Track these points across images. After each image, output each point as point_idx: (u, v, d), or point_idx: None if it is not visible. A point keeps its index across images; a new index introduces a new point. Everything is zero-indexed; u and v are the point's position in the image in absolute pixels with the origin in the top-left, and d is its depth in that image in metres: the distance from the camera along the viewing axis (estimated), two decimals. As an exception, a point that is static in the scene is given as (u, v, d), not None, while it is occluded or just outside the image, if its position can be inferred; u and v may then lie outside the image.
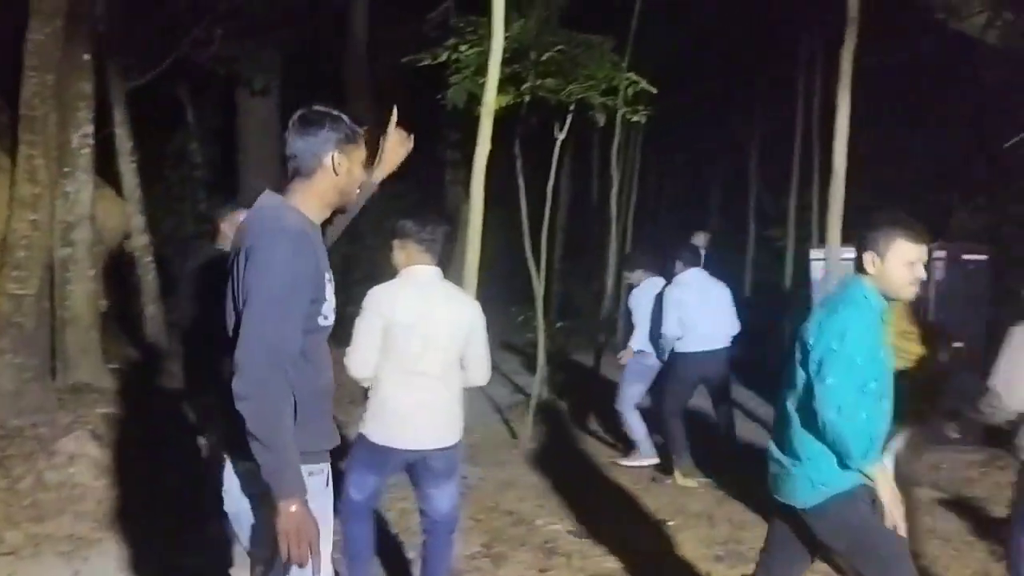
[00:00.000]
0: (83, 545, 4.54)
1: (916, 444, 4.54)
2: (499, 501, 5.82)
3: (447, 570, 3.93)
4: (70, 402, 6.47)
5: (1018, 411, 4.02)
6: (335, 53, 13.59)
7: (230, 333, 2.31)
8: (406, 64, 8.32)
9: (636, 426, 6.89)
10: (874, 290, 3.00)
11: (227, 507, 2.44)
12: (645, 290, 7.04)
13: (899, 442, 4.24)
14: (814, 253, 8.59)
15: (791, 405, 3.02)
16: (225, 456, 2.42)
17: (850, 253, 8.33)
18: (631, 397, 6.93)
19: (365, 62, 13.39)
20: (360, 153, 2.53)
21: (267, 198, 2.50)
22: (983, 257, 8.15)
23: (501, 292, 11.26)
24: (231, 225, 4.44)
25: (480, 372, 3.88)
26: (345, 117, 2.50)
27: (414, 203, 12.76)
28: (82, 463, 5.30)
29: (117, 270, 9.50)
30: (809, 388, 2.91)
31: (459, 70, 7.55)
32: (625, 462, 6.95)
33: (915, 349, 4.45)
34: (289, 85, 11.46)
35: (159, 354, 8.72)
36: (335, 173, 2.44)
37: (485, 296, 6.61)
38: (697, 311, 6.57)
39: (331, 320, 2.44)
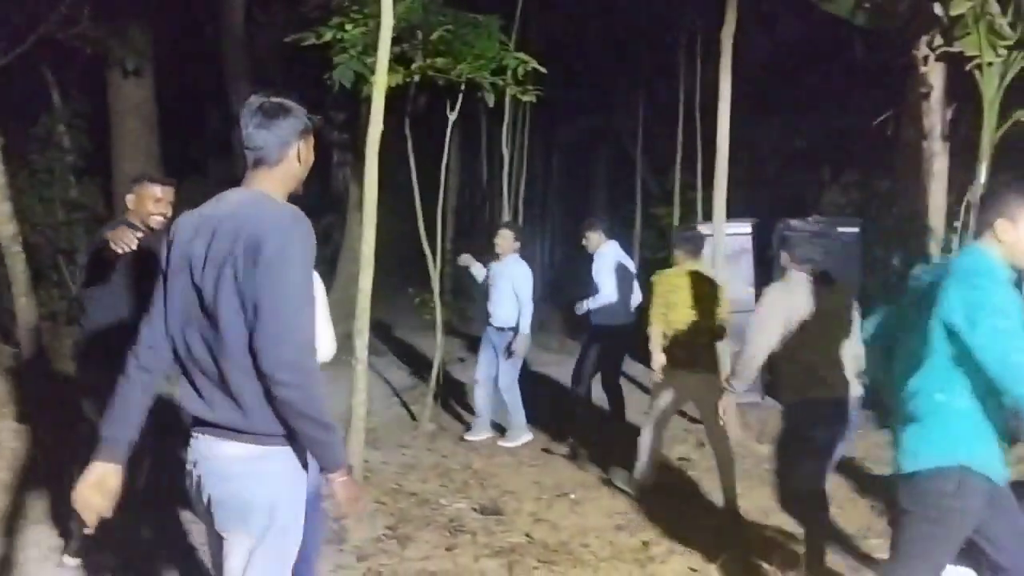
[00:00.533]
0: None
1: None
2: (402, 483, 5.80)
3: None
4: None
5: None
6: (211, 32, 13.16)
7: (159, 308, 2.41)
8: (286, 44, 8.10)
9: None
10: (1000, 258, 2.85)
11: (211, 489, 2.35)
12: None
13: None
14: (701, 228, 8.85)
15: (922, 382, 2.90)
16: (201, 438, 2.38)
17: (733, 228, 8.74)
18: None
19: (243, 42, 13.00)
20: (312, 141, 2.57)
21: (241, 192, 2.50)
22: (855, 230, 8.57)
23: (394, 275, 11.18)
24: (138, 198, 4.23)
25: (326, 347, 3.40)
26: (301, 107, 2.54)
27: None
28: (-45, 466, 5.01)
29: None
30: (948, 363, 2.80)
31: (344, 50, 7.41)
32: (505, 443, 7.00)
33: None
34: (163, 65, 11.02)
35: (36, 347, 8.30)
36: (298, 162, 2.51)
37: (379, 280, 6.60)
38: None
39: None
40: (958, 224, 7.05)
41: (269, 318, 2.21)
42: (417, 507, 5.35)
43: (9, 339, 8.84)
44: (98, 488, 2.41)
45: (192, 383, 2.36)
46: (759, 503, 5.50)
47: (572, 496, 5.64)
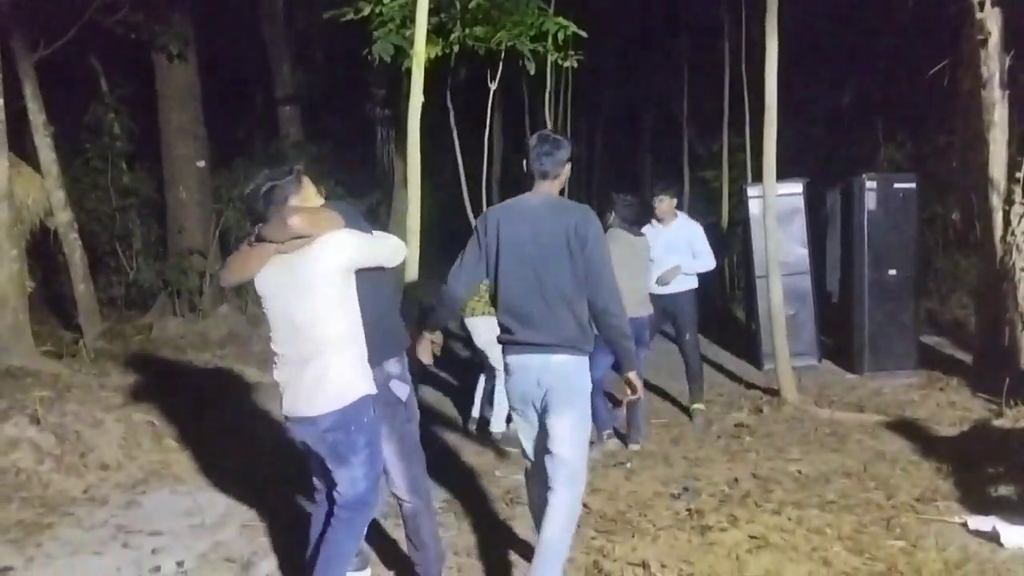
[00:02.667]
0: (34, 531, 4.40)
1: None
2: (460, 454, 5.82)
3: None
4: (5, 388, 6.26)
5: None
6: (252, 13, 13.21)
7: (471, 262, 3.67)
8: (326, 21, 8.08)
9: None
10: None
11: (549, 383, 3.51)
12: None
13: None
14: (750, 190, 8.70)
15: None
16: (532, 356, 3.54)
17: (785, 188, 8.59)
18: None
19: (283, 21, 13.04)
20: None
21: (541, 196, 3.66)
22: (912, 185, 8.33)
23: (443, 248, 11.18)
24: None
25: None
26: (569, 140, 3.75)
27: (344, 164, 12.58)
28: (23, 448, 5.13)
29: (41, 249, 9.20)
30: None
31: (383, 23, 7.37)
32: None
33: None
34: (206, 49, 11.10)
35: (96, 332, 8.51)
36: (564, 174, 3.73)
37: (429, 254, 6.60)
38: None
39: None
40: (1020, 175, 6.81)
41: (604, 275, 3.51)
42: (474, 480, 5.36)
43: (70, 325, 9.06)
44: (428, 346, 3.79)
45: (518, 320, 3.54)
46: (819, 467, 5.42)
47: (628, 465, 5.61)
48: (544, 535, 3.46)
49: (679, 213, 6.91)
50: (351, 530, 3.38)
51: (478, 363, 6.64)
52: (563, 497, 3.50)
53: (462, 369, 7.99)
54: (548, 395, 3.52)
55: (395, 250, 3.54)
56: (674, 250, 6.63)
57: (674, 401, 7.39)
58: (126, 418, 5.75)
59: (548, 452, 3.54)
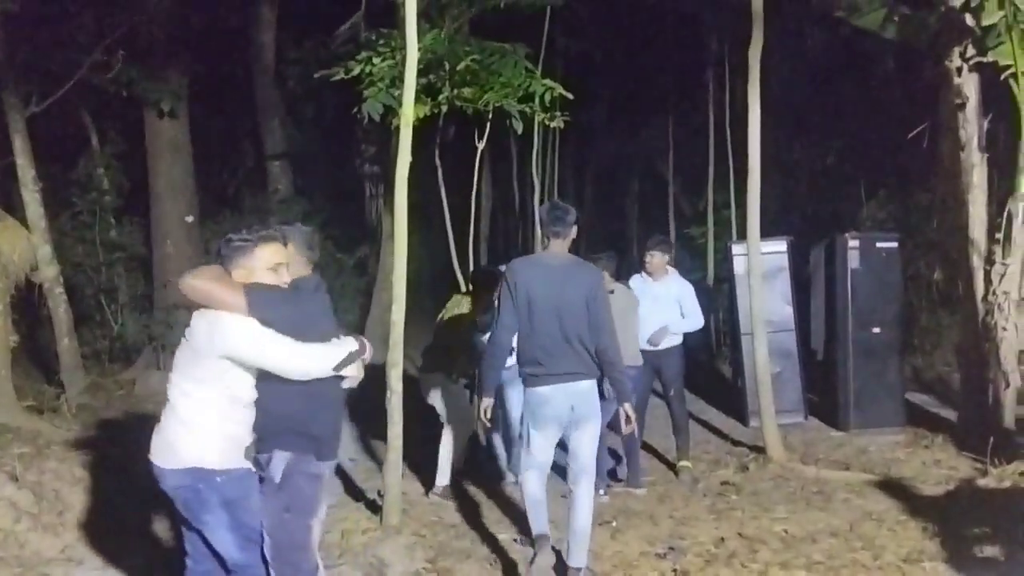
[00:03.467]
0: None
1: None
2: (442, 515, 5.75)
3: None
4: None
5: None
6: (243, 71, 13.38)
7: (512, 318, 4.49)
8: (317, 80, 8.21)
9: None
10: None
11: (574, 402, 4.50)
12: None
13: None
14: (735, 248, 8.77)
15: None
16: (562, 385, 4.49)
17: (769, 246, 8.69)
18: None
19: (274, 79, 13.21)
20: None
21: (558, 255, 4.58)
22: (894, 244, 8.45)
23: (429, 304, 11.20)
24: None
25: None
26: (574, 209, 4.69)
27: (333, 219, 12.66)
28: (1, 506, 5.05)
29: (26, 303, 9.15)
30: None
31: (373, 83, 7.50)
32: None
33: None
34: (197, 105, 11.22)
35: (79, 388, 8.43)
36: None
37: (416, 309, 6.62)
38: None
39: None
40: (999, 236, 6.91)
41: (604, 326, 4.45)
42: (457, 539, 5.30)
43: (52, 380, 8.99)
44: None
45: (549, 358, 4.40)
46: (805, 527, 5.39)
47: (613, 524, 5.56)
48: (578, 522, 4.49)
49: (671, 270, 6.98)
50: None
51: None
52: (587, 489, 4.55)
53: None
54: (576, 413, 4.47)
55: (309, 364, 3.27)
56: (661, 306, 6.69)
57: (660, 458, 7.37)
58: (106, 476, 5.68)
59: (573, 458, 4.54)
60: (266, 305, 3.22)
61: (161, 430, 3.30)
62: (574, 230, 4.60)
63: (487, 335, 5.23)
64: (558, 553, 4.63)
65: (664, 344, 6.74)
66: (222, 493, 3.22)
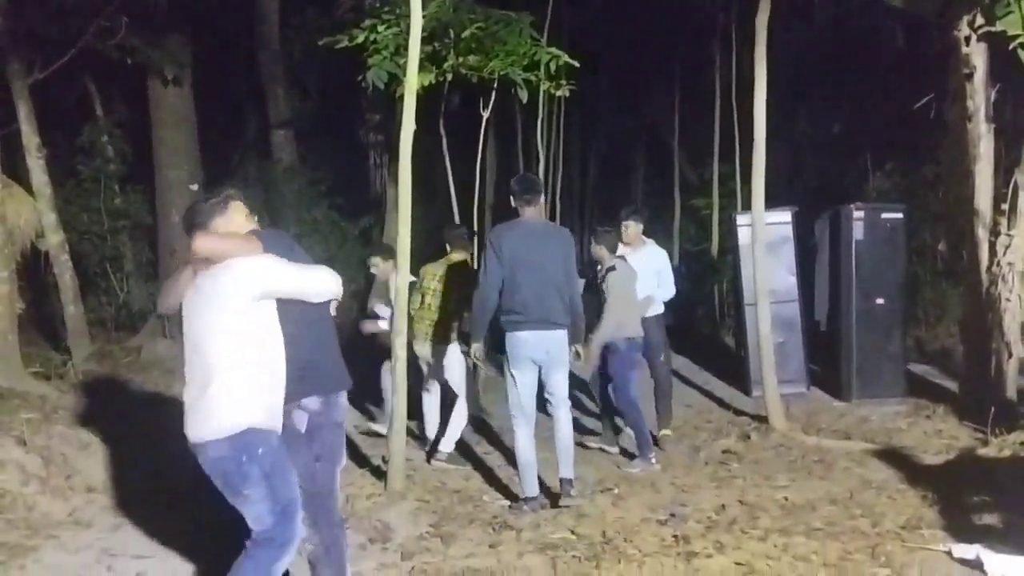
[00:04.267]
0: (18, 553, 4.38)
1: None
2: (445, 481, 5.81)
3: None
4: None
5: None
6: (247, 39, 13.30)
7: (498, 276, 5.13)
8: (321, 47, 8.16)
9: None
10: None
11: (551, 347, 5.22)
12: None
13: None
14: (740, 219, 8.76)
15: None
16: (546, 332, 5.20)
17: (774, 217, 8.67)
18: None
19: (278, 47, 13.13)
20: None
21: (536, 219, 5.37)
22: (899, 216, 8.43)
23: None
24: None
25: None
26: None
27: (337, 188, 12.64)
28: (9, 470, 5.11)
29: (32, 269, 9.19)
30: None
31: (378, 51, 7.45)
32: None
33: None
34: (202, 73, 11.18)
35: (86, 354, 8.48)
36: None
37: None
38: None
39: None
40: (1005, 207, 6.89)
41: (575, 279, 5.27)
42: (460, 504, 5.35)
43: (59, 346, 9.04)
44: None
45: (531, 308, 5.07)
46: (806, 495, 5.43)
47: (615, 491, 5.60)
48: (563, 441, 5.32)
49: (647, 240, 6.98)
50: (252, 565, 3.23)
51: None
52: (566, 412, 5.35)
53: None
54: (551, 356, 5.20)
55: (323, 284, 3.44)
56: (642, 276, 6.62)
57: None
58: (113, 440, 5.74)
59: (551, 394, 5.29)
60: (271, 244, 3.36)
61: (195, 404, 3.23)
62: (542, 198, 5.44)
63: None
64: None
65: (647, 313, 6.73)
66: (262, 465, 3.20)
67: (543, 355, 5.18)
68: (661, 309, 6.98)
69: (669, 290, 7.00)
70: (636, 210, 7.16)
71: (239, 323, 3.20)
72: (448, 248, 6.63)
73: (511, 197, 5.29)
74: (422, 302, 6.43)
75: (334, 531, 3.56)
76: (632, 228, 6.86)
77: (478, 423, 7.38)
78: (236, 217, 3.43)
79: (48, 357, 8.53)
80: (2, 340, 7.04)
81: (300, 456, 3.43)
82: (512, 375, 5.21)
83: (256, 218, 3.62)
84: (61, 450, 5.49)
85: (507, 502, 5.43)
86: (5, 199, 7.28)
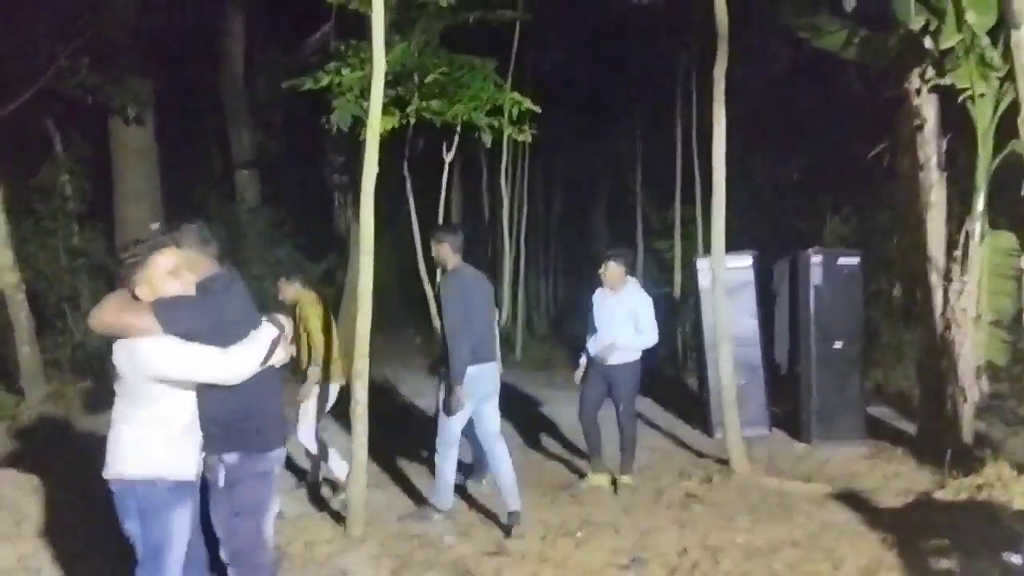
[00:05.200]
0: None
1: None
2: (405, 526, 5.75)
3: None
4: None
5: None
6: (211, 77, 13.31)
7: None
8: (286, 89, 8.21)
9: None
10: None
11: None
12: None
13: None
14: (700, 263, 8.85)
15: None
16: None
17: (735, 262, 8.76)
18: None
19: (243, 87, 13.16)
20: None
21: (472, 267, 5.77)
22: (856, 261, 8.57)
23: (396, 314, 11.18)
24: None
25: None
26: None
27: (301, 228, 12.62)
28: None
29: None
30: None
31: (342, 93, 7.52)
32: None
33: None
34: (164, 111, 11.16)
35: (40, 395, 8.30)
36: None
37: (381, 320, 6.59)
38: None
39: None
40: (957, 253, 7.04)
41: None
42: (422, 549, 5.28)
43: (12, 387, 8.84)
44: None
45: (485, 344, 5.60)
46: (767, 538, 5.44)
47: (578, 534, 5.57)
48: (509, 475, 5.61)
49: (630, 280, 6.85)
50: None
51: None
52: (502, 446, 5.70)
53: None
54: (491, 387, 5.70)
55: (229, 369, 3.25)
56: (617, 319, 6.60)
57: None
58: (65, 485, 5.60)
59: (489, 428, 5.70)
60: (179, 318, 3.18)
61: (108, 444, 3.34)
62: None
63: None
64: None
65: (615, 360, 6.59)
66: (141, 510, 3.28)
67: (492, 386, 5.71)
68: (636, 355, 6.70)
69: (649, 337, 6.64)
70: (617, 251, 7.03)
71: (134, 396, 3.24)
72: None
73: (446, 245, 5.68)
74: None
75: None
76: (611, 268, 6.67)
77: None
78: (157, 273, 3.24)
79: (0, 399, 8.35)
80: (-48, 382, 6.89)
81: (219, 510, 3.39)
82: (461, 408, 5.51)
83: (212, 250, 3.46)
84: (10, 495, 5.35)
85: (469, 547, 5.38)
86: (-40, 238, 7.17)
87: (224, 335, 3.23)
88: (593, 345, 6.74)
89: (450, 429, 5.58)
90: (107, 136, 10.68)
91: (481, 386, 5.58)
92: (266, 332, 3.37)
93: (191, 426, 3.30)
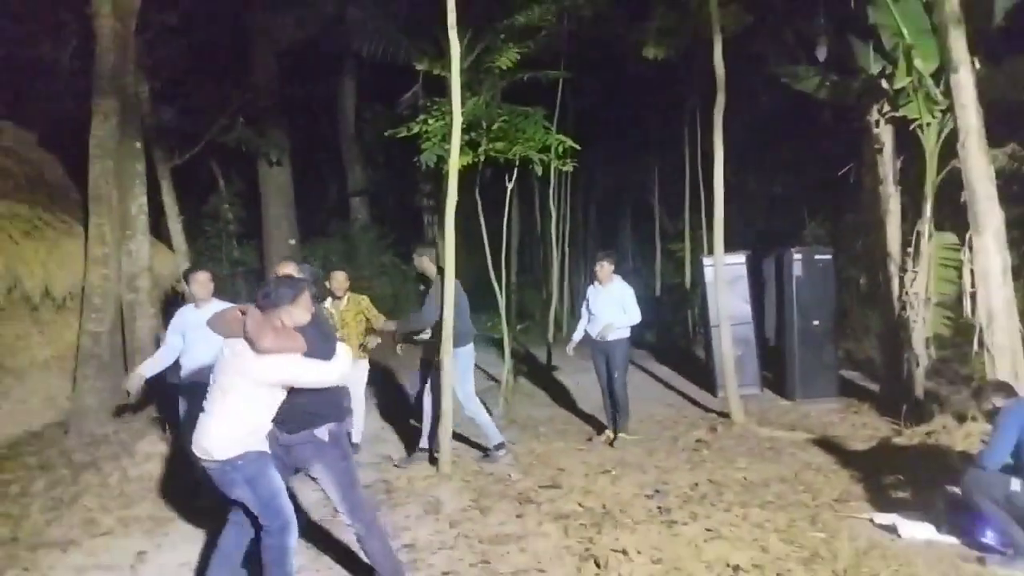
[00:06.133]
0: (162, 523, 4.46)
1: None
2: (482, 465, 5.82)
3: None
4: (140, 413, 6.36)
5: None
6: (331, 128, 13.59)
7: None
8: (387, 136, 8.34)
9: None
10: None
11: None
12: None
13: None
14: (705, 261, 8.77)
15: None
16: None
17: (732, 259, 8.65)
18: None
19: (355, 135, 13.41)
20: None
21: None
22: (828, 257, 8.41)
23: (472, 303, 11.26)
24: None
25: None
26: None
27: (400, 239, 12.81)
28: (155, 460, 5.21)
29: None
30: None
31: (429, 139, 7.61)
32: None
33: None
34: (298, 156, 11.44)
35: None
36: None
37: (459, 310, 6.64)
38: None
39: None
40: (910, 250, 6.87)
41: None
42: (494, 484, 5.35)
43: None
44: None
45: (468, 330, 5.74)
46: (761, 475, 5.40)
47: (612, 472, 5.59)
48: (483, 419, 5.86)
49: (616, 277, 6.62)
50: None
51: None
52: (476, 400, 5.86)
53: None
54: (470, 363, 5.81)
55: (327, 376, 3.35)
56: (609, 306, 6.49)
57: (652, 422, 7.36)
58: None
59: (468, 386, 5.74)
60: (309, 343, 3.31)
61: (205, 420, 3.30)
62: None
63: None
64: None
65: (612, 336, 6.45)
66: (241, 473, 3.26)
67: (470, 361, 5.83)
68: (627, 333, 6.57)
69: (633, 317, 6.47)
70: (607, 253, 6.87)
71: (243, 388, 3.24)
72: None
73: (425, 259, 5.81)
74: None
75: (368, 512, 3.55)
76: (604, 267, 6.57)
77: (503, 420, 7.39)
78: (302, 305, 3.33)
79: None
80: (150, 360, 7.16)
81: (330, 459, 3.44)
82: (463, 378, 5.75)
83: (314, 290, 3.49)
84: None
85: (529, 481, 5.42)
86: (153, 254, 7.44)
87: (326, 353, 3.38)
88: (593, 328, 6.58)
89: (467, 395, 5.77)
90: (256, 175, 10.96)
91: (464, 360, 5.74)
92: (343, 347, 3.50)
93: (270, 415, 3.34)
